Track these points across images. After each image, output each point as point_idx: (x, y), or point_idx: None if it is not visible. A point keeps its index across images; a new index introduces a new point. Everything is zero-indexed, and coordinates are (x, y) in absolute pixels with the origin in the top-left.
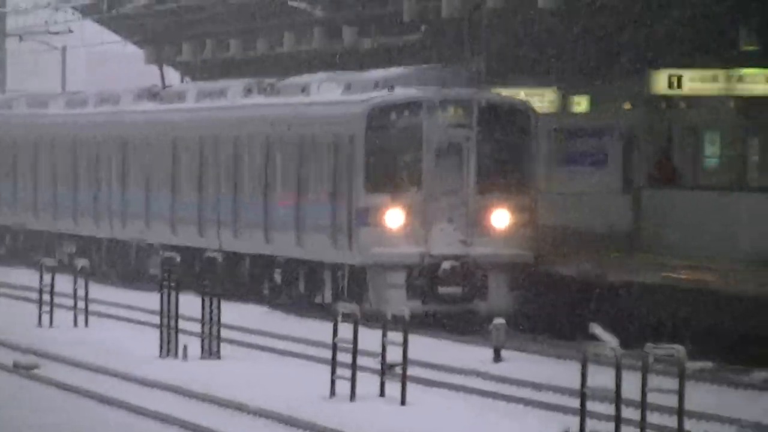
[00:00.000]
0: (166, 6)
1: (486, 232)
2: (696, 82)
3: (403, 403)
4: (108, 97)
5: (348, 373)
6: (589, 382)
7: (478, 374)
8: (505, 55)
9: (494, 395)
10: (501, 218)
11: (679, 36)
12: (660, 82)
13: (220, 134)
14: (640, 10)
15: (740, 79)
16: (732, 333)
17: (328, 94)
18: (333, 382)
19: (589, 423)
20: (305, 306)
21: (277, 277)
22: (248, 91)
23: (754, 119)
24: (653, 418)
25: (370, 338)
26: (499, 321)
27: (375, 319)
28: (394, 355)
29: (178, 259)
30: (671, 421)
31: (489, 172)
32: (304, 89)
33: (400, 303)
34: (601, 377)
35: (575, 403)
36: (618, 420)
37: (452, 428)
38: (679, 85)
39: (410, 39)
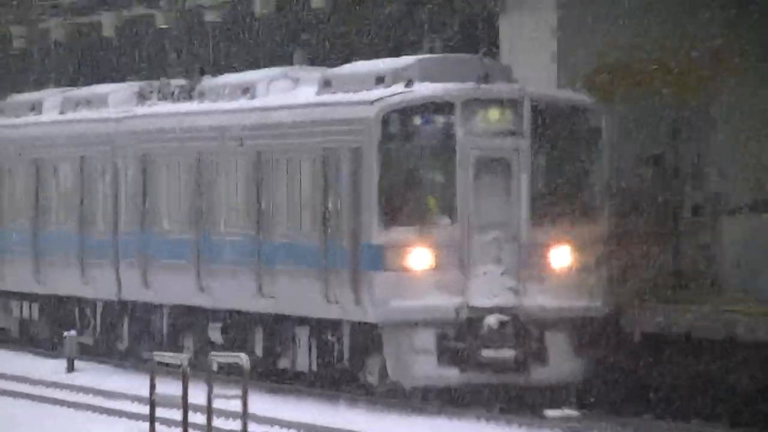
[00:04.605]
0: None
1: (543, 276)
2: None
3: None
4: None
5: None
6: (165, 392)
7: (52, 384)
8: None
9: (68, 403)
10: (563, 257)
11: None
12: None
13: (115, 152)
14: None
15: None
16: None
17: (293, 95)
18: None
19: (160, 428)
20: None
21: (215, 336)
22: (141, 97)
23: None
24: (220, 422)
25: None
26: (71, 333)
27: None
28: None
29: None
30: (236, 425)
31: (547, 195)
32: (246, 90)
33: (429, 372)
34: (176, 387)
35: (147, 410)
36: (185, 424)
37: None
38: None
39: None
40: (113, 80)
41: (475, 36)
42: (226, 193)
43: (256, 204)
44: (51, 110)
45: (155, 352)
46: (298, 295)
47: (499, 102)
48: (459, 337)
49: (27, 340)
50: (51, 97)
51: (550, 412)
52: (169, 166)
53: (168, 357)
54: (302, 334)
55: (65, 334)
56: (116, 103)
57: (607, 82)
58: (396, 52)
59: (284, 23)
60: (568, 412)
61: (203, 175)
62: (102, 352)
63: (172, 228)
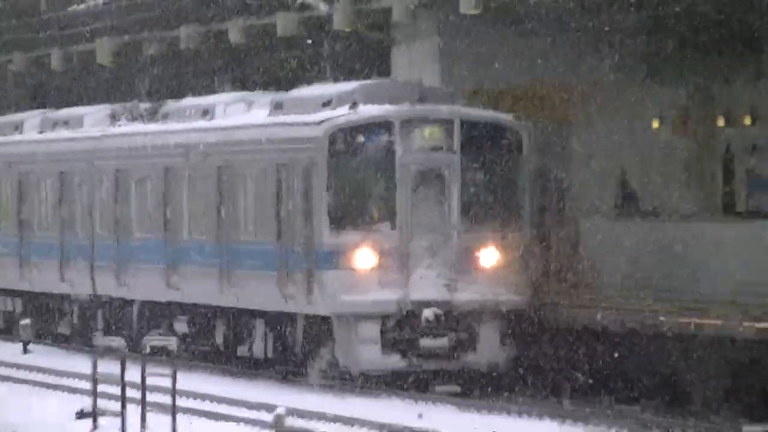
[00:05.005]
0: None
1: (474, 274)
2: None
3: None
4: None
5: None
6: (105, 371)
7: (11, 364)
8: None
9: (25, 381)
10: (491, 258)
11: None
12: None
13: (91, 166)
14: None
15: None
16: None
17: (246, 117)
18: None
19: (101, 401)
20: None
21: (181, 327)
22: (114, 118)
23: None
24: (154, 396)
25: None
26: (25, 321)
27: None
28: None
29: None
30: (168, 399)
31: (475, 203)
32: (206, 112)
33: (374, 359)
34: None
35: (90, 386)
36: (123, 398)
37: None
38: None
39: None
40: (63, 107)
41: (370, 64)
42: (191, 203)
43: (218, 212)
44: (31, 130)
45: (98, 337)
46: (256, 292)
47: (433, 121)
48: (400, 328)
49: (13, 331)
50: (31, 119)
51: (439, 388)
52: (140, 179)
53: (108, 341)
54: (260, 326)
55: (20, 322)
56: (92, 123)
57: (486, 104)
58: (305, 81)
59: (207, 57)
60: (453, 387)
61: (170, 186)
62: (79, 341)
63: (142, 233)
